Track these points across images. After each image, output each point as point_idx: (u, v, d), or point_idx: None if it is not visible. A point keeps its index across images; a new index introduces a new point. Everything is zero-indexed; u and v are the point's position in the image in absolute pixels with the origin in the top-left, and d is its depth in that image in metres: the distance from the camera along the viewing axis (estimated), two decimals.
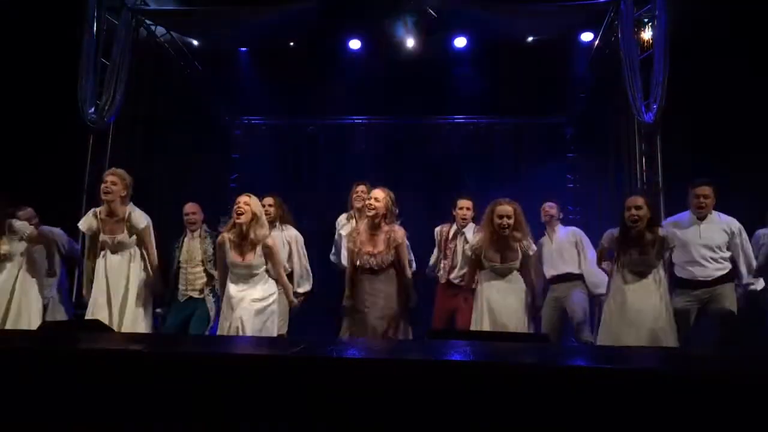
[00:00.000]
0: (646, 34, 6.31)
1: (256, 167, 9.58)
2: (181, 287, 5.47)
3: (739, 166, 6.07)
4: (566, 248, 5.63)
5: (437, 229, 5.61)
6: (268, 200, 5.50)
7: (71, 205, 5.96)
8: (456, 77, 8.24)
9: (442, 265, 5.47)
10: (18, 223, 4.90)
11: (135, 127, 7.09)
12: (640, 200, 4.53)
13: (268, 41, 7.78)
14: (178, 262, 5.52)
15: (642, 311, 4.35)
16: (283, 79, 8.39)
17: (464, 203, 5.43)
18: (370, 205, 4.70)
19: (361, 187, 5.67)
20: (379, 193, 4.74)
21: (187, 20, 7.23)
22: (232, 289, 4.47)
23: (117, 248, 4.73)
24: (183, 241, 5.61)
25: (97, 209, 4.79)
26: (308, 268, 5.58)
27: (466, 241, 5.24)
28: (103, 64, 6.68)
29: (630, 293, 4.42)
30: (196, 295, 5.44)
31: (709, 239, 4.89)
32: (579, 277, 5.59)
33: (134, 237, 4.77)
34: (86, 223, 4.78)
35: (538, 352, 2.16)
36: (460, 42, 7.87)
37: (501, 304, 4.48)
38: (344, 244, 5.33)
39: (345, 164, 9.10)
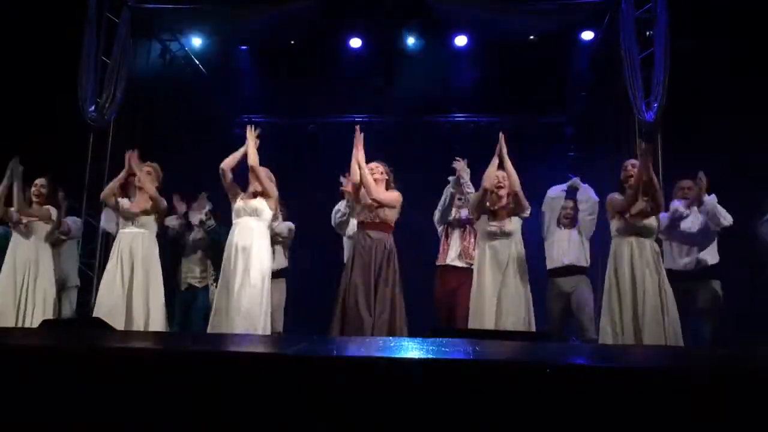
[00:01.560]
0: (647, 33, 6.30)
1: None
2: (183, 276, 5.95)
3: (739, 165, 6.08)
4: (576, 242, 5.57)
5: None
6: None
7: (72, 203, 5.96)
8: (456, 76, 8.24)
9: (441, 249, 5.70)
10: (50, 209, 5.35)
11: (135, 126, 7.09)
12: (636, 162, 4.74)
13: (268, 39, 7.79)
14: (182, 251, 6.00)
15: (639, 277, 4.43)
16: (284, 77, 8.40)
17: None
18: (373, 173, 5.04)
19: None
20: (373, 164, 5.15)
21: (187, 18, 7.23)
22: None
23: (135, 219, 5.09)
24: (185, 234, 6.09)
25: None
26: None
27: (460, 221, 5.65)
28: (103, 62, 6.68)
29: (627, 258, 4.51)
30: (195, 282, 5.95)
31: (690, 230, 5.13)
32: (584, 271, 5.57)
33: (153, 215, 5.16)
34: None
35: (540, 351, 2.16)
36: (461, 40, 7.87)
37: (499, 254, 4.74)
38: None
39: (345, 162, 9.09)
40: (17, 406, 1.79)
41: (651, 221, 4.56)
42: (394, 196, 4.98)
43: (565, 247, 5.57)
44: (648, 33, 6.28)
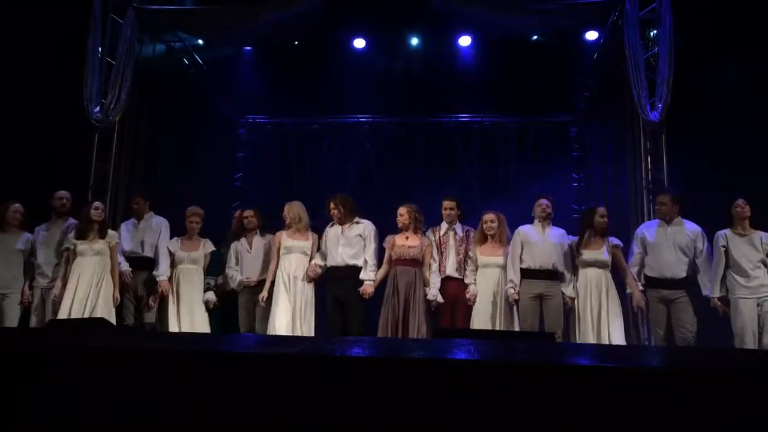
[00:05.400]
0: (651, 33, 6.29)
1: (260, 166, 9.60)
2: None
3: (743, 165, 6.08)
4: (557, 247, 5.62)
5: (428, 232, 5.99)
6: (249, 212, 6.13)
7: (77, 204, 5.99)
8: (460, 76, 8.24)
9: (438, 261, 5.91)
10: (112, 232, 5.84)
11: (140, 126, 7.11)
12: (605, 211, 5.70)
13: (272, 40, 7.80)
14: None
15: (597, 296, 5.45)
16: (288, 77, 8.42)
17: (448, 204, 6.00)
18: (398, 221, 5.81)
19: (332, 204, 5.92)
20: (401, 210, 5.81)
21: (191, 19, 7.23)
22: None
23: (188, 262, 5.97)
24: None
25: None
26: None
27: (455, 235, 5.94)
28: (108, 63, 6.69)
29: (589, 287, 5.46)
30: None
31: (675, 240, 5.42)
32: (561, 277, 5.62)
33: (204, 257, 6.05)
34: (172, 245, 6.02)
35: (543, 351, 2.16)
36: (465, 41, 7.87)
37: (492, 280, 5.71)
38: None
39: (349, 163, 9.12)
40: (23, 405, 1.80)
41: (604, 257, 5.51)
42: (429, 256, 5.77)
43: (546, 251, 5.69)
44: (652, 33, 6.27)
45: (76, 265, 5.58)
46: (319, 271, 5.79)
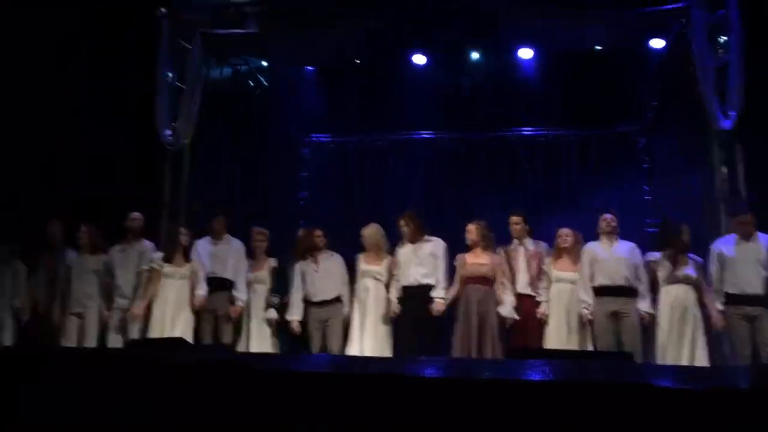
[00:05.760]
0: (721, 39, 6.11)
1: (324, 185, 9.68)
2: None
3: None
4: (626, 261, 5.51)
5: (499, 249, 5.95)
6: (319, 231, 6.22)
7: (152, 224, 6.23)
8: (523, 89, 8.17)
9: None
10: (195, 258, 6.02)
11: (207, 147, 7.29)
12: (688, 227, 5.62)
13: (334, 59, 7.91)
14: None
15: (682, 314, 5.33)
16: (350, 96, 8.52)
17: (515, 219, 6.01)
18: (467, 237, 5.79)
19: (402, 221, 5.97)
20: (470, 227, 5.80)
21: (256, 42, 7.40)
22: None
23: (255, 281, 6.10)
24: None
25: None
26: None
27: (525, 251, 5.91)
28: (178, 87, 6.91)
29: (674, 305, 5.35)
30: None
31: (756, 256, 5.32)
32: (635, 293, 5.49)
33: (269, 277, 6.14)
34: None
35: (620, 371, 2.11)
36: (526, 53, 7.81)
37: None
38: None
39: (412, 179, 9.12)
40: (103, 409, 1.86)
41: (693, 273, 5.38)
42: (501, 273, 5.73)
43: (614, 266, 5.59)
44: (722, 39, 6.08)
45: (161, 287, 5.78)
46: (398, 311, 5.76)
